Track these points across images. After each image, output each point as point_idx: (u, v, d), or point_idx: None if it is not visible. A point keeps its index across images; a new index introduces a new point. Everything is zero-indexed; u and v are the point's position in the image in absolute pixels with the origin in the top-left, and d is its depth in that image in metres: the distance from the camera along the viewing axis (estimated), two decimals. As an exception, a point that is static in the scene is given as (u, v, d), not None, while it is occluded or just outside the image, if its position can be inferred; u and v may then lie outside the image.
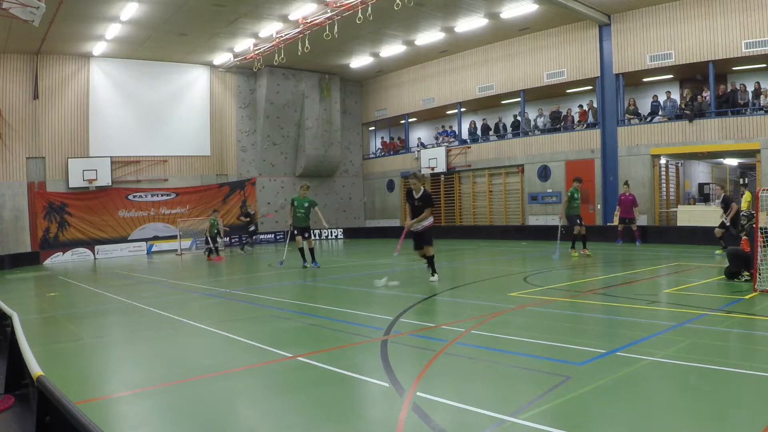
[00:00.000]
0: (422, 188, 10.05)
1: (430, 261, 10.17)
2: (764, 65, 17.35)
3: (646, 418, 3.57)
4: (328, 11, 17.44)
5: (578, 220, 13.87)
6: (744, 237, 9.09)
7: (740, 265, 8.87)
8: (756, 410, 3.62)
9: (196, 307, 8.97)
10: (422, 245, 10.23)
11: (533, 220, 21.77)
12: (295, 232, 13.40)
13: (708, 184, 21.88)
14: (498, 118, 24.83)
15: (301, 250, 13.56)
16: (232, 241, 25.09)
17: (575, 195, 13.97)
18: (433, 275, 10.15)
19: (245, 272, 13.87)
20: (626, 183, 17.81)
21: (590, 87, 20.92)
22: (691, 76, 19.50)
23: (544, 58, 21.18)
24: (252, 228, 22.59)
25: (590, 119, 20.69)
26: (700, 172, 22.57)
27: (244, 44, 21.59)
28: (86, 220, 21.70)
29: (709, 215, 17.09)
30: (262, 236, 25.95)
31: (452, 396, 4.07)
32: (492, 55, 23.01)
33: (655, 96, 19.43)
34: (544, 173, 21.47)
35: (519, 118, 23.12)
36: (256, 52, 21.44)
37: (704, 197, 20.17)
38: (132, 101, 22.79)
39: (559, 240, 14.41)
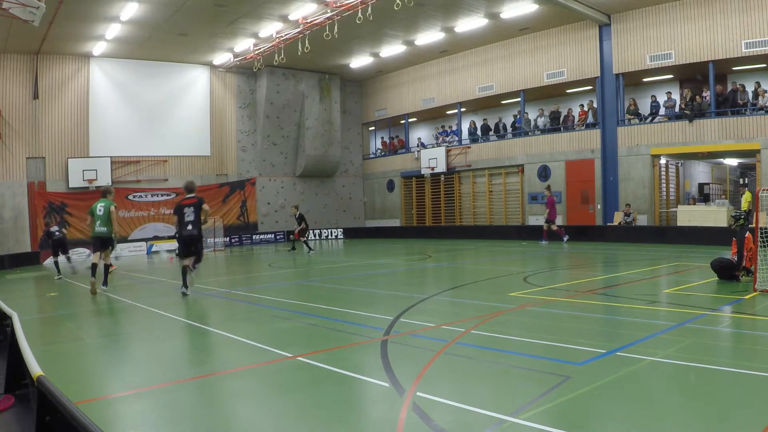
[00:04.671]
0: None
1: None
2: (764, 65, 17.34)
3: (646, 418, 3.56)
4: (328, 11, 17.44)
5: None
6: (733, 238, 9.14)
7: (729, 273, 8.88)
8: (756, 410, 3.62)
9: (196, 307, 8.97)
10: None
11: (533, 220, 21.76)
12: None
13: (708, 184, 21.89)
14: (498, 118, 24.82)
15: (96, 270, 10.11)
16: (233, 241, 25.13)
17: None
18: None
19: (245, 272, 13.86)
20: (548, 187, 19.94)
21: (590, 87, 20.91)
22: (691, 76, 19.49)
23: (544, 58, 21.18)
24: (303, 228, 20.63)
25: (590, 119, 20.69)
26: (700, 172, 22.56)
27: (244, 44, 21.58)
28: (86, 220, 21.64)
29: (710, 215, 17.10)
30: (261, 236, 26.00)
31: (452, 396, 4.07)
32: (492, 55, 23.01)
33: (654, 96, 19.42)
34: (544, 173, 21.46)
35: (519, 117, 23.11)
36: (256, 52, 21.43)
37: (704, 197, 20.18)
38: (132, 101, 22.78)
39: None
